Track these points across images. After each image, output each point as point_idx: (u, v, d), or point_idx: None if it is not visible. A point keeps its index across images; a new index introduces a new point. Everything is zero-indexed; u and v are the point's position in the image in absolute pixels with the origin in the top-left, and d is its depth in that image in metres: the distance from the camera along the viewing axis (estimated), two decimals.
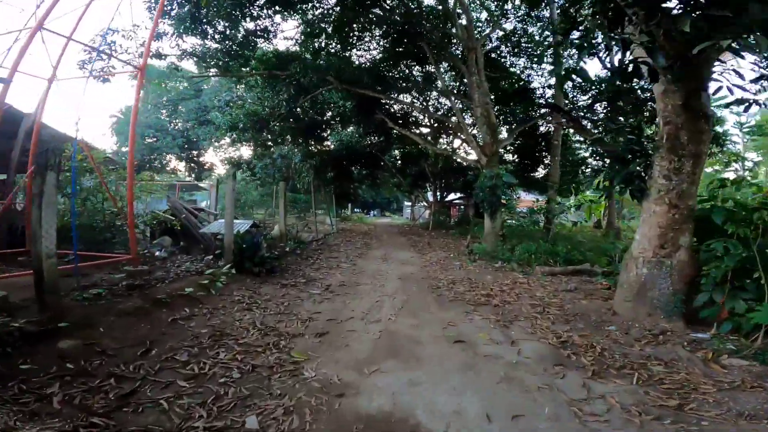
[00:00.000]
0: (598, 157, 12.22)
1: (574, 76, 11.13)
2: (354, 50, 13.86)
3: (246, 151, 26.58)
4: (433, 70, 13.71)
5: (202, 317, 4.90)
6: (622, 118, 10.84)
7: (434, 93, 16.80)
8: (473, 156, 13.43)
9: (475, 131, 14.57)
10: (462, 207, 35.16)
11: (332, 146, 19.94)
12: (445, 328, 4.99)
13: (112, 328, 4.09)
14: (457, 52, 14.20)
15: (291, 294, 6.44)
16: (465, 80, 13.38)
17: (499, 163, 12.57)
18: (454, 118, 14.67)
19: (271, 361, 3.69)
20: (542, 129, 20.05)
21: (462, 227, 20.71)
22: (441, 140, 23.06)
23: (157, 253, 7.94)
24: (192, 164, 32.71)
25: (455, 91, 14.82)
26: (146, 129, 28.56)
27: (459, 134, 15.71)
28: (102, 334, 3.86)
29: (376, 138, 19.02)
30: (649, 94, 11.01)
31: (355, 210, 57.90)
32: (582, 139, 17.31)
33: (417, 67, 14.30)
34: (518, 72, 17.10)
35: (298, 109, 16.14)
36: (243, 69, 13.07)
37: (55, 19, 8.70)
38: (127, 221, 8.06)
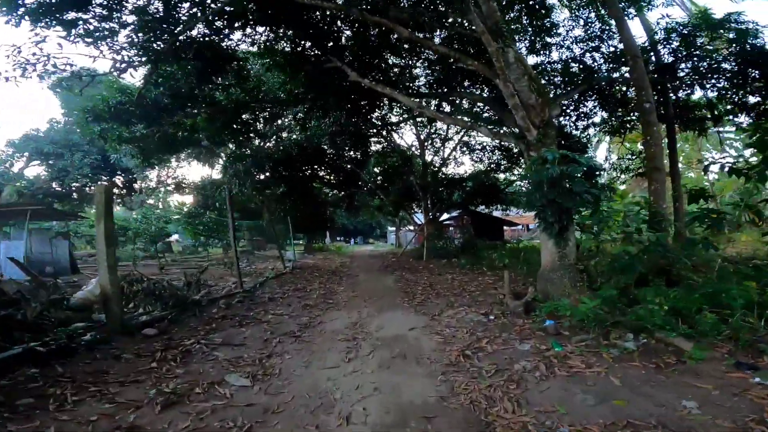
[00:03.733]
0: None
1: None
2: None
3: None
4: None
5: None
6: None
7: None
8: (512, 127, 7.50)
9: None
10: (454, 228, 29.78)
11: (272, 145, 13.77)
12: None
13: None
14: None
15: None
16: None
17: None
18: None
19: None
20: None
21: (470, 255, 14.92)
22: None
23: None
24: (123, 189, 26.24)
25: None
26: (48, 144, 22.20)
27: (478, 87, 9.48)
28: None
29: (343, 131, 12.97)
30: None
31: (338, 238, 51.80)
32: None
33: None
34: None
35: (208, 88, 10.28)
36: None
37: None
38: None
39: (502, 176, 22.14)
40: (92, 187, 28.83)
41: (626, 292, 5.61)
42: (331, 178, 23.90)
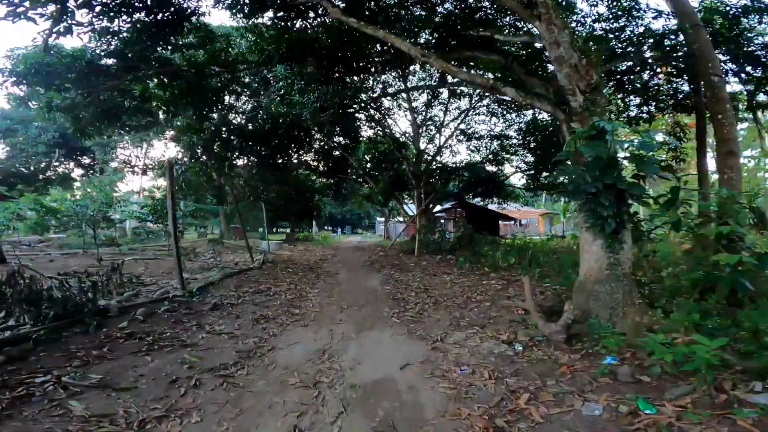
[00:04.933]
0: None
1: None
2: None
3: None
4: None
5: None
6: None
7: None
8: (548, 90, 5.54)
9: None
10: (446, 221, 28.15)
11: (242, 117, 11.72)
12: None
13: None
14: None
15: None
16: None
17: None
18: None
19: None
20: None
21: (467, 251, 13.22)
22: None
23: None
24: (88, 169, 23.82)
25: None
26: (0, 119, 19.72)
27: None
28: None
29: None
30: None
31: (326, 228, 49.88)
32: None
33: None
34: None
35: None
36: None
37: None
38: None
39: (497, 168, 20.63)
40: (57, 167, 26.31)
41: (707, 314, 3.96)
42: (319, 164, 22.06)
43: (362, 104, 14.39)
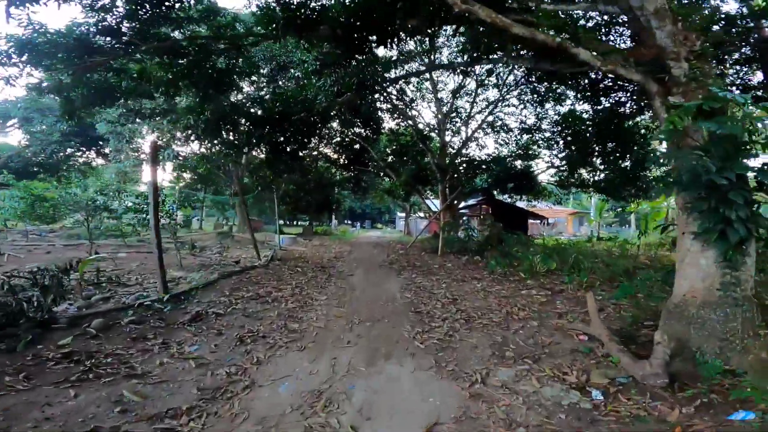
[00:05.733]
0: None
1: None
2: None
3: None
4: None
5: None
6: None
7: None
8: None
9: None
10: (469, 217, 26.60)
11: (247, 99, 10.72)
12: None
13: None
14: None
15: None
16: None
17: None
18: None
19: None
20: None
21: (497, 251, 11.89)
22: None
23: None
24: (107, 158, 23.57)
25: None
26: (16, 109, 19.41)
27: None
28: None
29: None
30: None
31: (346, 222, 49.23)
32: None
33: None
34: None
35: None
36: None
37: None
38: None
39: (528, 162, 19.08)
40: (79, 157, 26.27)
41: None
42: (339, 157, 21.12)
43: (384, 84, 13.22)
